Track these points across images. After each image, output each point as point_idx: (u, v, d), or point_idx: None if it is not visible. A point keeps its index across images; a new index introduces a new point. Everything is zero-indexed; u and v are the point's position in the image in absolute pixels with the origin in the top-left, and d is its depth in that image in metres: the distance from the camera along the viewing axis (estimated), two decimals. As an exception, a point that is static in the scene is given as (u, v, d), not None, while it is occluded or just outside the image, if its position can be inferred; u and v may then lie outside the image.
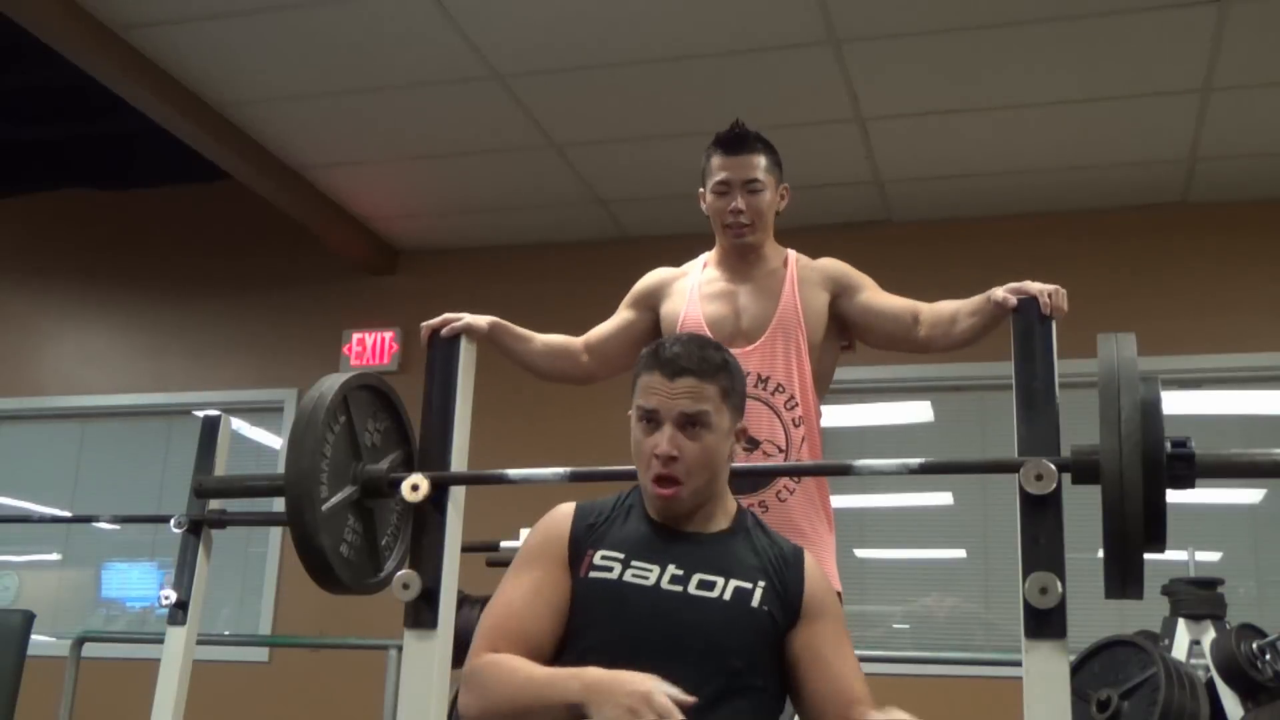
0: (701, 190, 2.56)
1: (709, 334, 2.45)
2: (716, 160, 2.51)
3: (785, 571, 1.79)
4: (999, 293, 2.11)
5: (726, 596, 1.72)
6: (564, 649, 1.72)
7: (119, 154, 6.00)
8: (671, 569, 1.72)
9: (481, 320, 2.37)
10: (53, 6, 4.14)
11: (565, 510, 1.83)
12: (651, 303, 2.61)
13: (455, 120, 4.90)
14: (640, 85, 4.55)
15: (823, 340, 2.50)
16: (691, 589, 1.71)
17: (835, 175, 5.12)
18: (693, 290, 2.55)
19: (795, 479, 2.39)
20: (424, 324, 2.32)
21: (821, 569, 1.85)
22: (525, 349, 2.55)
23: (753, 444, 2.38)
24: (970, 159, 5.03)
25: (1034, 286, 2.04)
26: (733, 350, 2.42)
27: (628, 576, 1.72)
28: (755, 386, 2.41)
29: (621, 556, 1.74)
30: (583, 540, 1.78)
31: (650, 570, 1.72)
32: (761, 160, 2.49)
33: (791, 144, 4.92)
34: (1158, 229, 5.25)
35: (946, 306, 2.40)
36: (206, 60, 4.52)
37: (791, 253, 2.58)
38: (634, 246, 5.66)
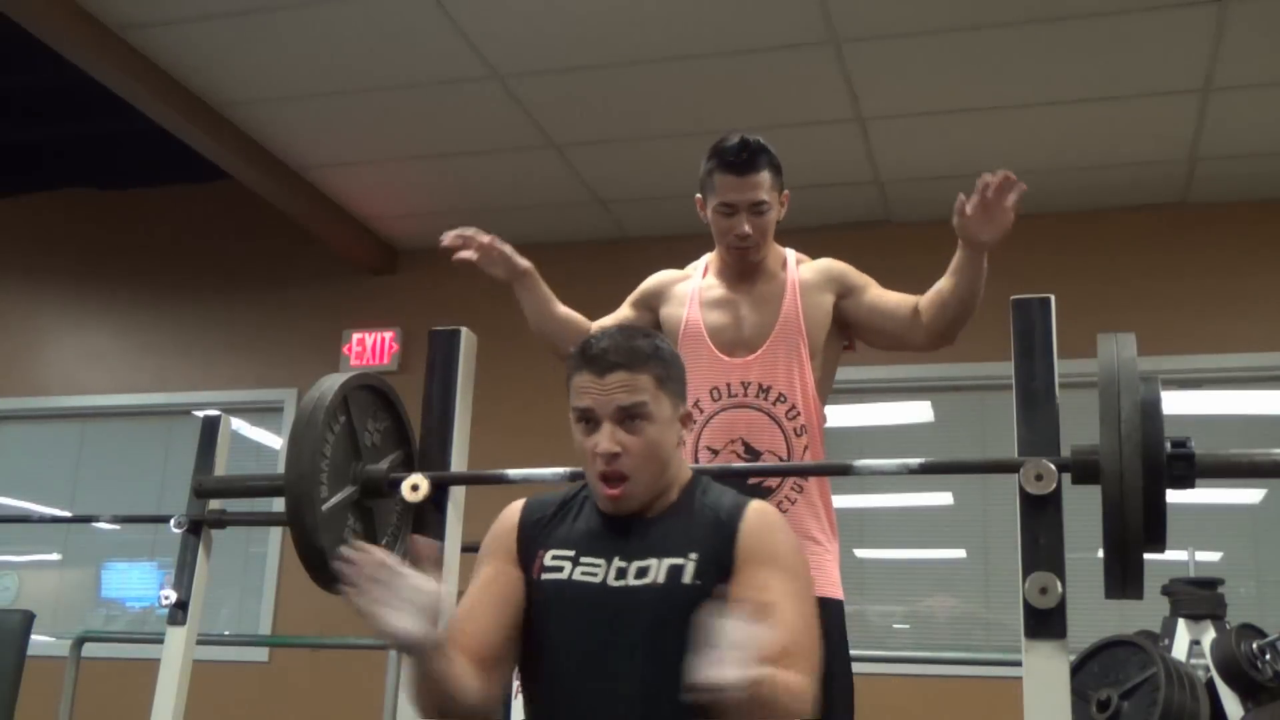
0: (699, 197, 2.53)
1: (711, 343, 2.45)
2: (721, 179, 2.45)
3: (720, 532, 1.69)
4: (955, 218, 2.15)
5: (660, 579, 1.66)
6: (525, 645, 1.71)
7: (119, 154, 6.00)
8: (617, 562, 1.69)
9: (520, 262, 2.36)
10: (53, 6, 4.14)
11: (514, 508, 1.81)
12: (653, 304, 2.60)
13: (455, 120, 4.90)
14: (640, 85, 4.55)
15: (825, 345, 2.48)
16: (631, 580, 1.67)
17: (835, 175, 5.12)
18: (694, 296, 2.53)
19: (798, 488, 2.38)
20: (456, 234, 2.34)
21: (765, 519, 1.72)
22: (548, 309, 2.56)
23: (753, 454, 2.37)
24: (970, 159, 5.02)
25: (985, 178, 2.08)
26: (734, 359, 2.42)
27: (577, 575, 1.69)
28: (756, 396, 2.40)
29: (571, 554, 1.72)
30: (532, 538, 1.76)
31: (598, 566, 1.69)
32: (767, 178, 2.44)
33: (791, 144, 4.92)
34: (1158, 229, 5.25)
35: (935, 286, 2.41)
36: (206, 60, 4.52)
37: (790, 254, 2.56)
38: (634, 246, 5.65)
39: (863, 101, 4.56)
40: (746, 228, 2.43)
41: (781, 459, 2.38)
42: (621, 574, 1.68)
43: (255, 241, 6.24)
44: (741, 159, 2.42)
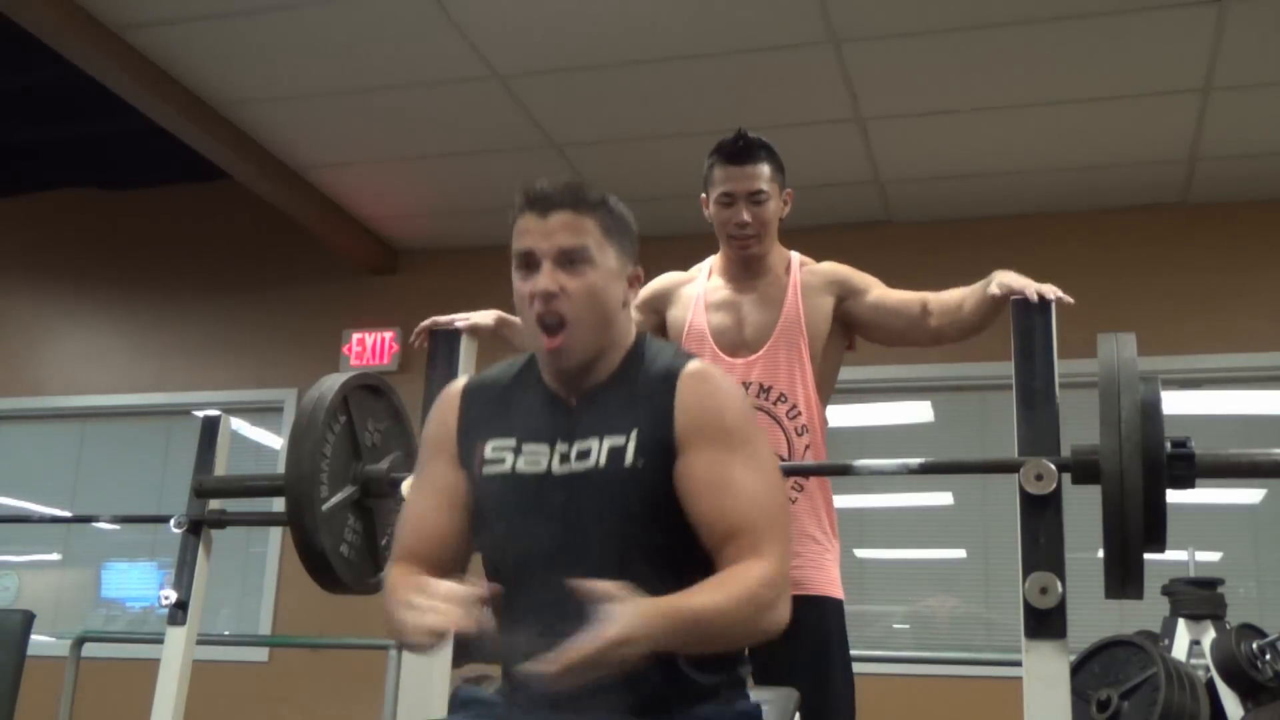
0: (704, 196, 2.55)
1: (713, 344, 2.46)
2: (720, 171, 2.47)
3: (656, 407, 1.56)
4: (994, 287, 2.13)
5: (602, 462, 1.54)
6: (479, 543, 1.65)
7: (119, 154, 6.00)
8: (560, 446, 1.57)
9: (486, 317, 2.37)
10: (53, 6, 4.14)
11: (452, 394, 1.69)
12: (658, 306, 2.60)
13: (455, 120, 4.90)
14: (640, 85, 4.55)
15: (826, 346, 2.49)
16: (573, 463, 1.55)
17: (835, 175, 5.12)
18: (698, 299, 2.54)
19: (798, 488, 2.38)
20: (421, 325, 2.31)
21: (703, 381, 1.59)
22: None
23: None
24: (970, 159, 5.03)
25: (1017, 283, 2.05)
26: (736, 359, 2.43)
27: (520, 465, 1.58)
28: (758, 396, 2.41)
29: (513, 443, 1.60)
30: (472, 430, 1.64)
31: (540, 453, 1.58)
32: (765, 170, 2.46)
33: (791, 144, 4.91)
34: (1158, 229, 5.25)
35: (953, 294, 2.39)
36: (206, 60, 4.52)
37: (795, 256, 2.57)
38: (634, 246, 5.65)
39: (863, 101, 4.56)
40: (745, 216, 2.44)
41: (783, 459, 2.38)
42: (565, 459, 1.56)
43: (255, 241, 6.24)
44: (738, 148, 2.45)
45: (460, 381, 1.72)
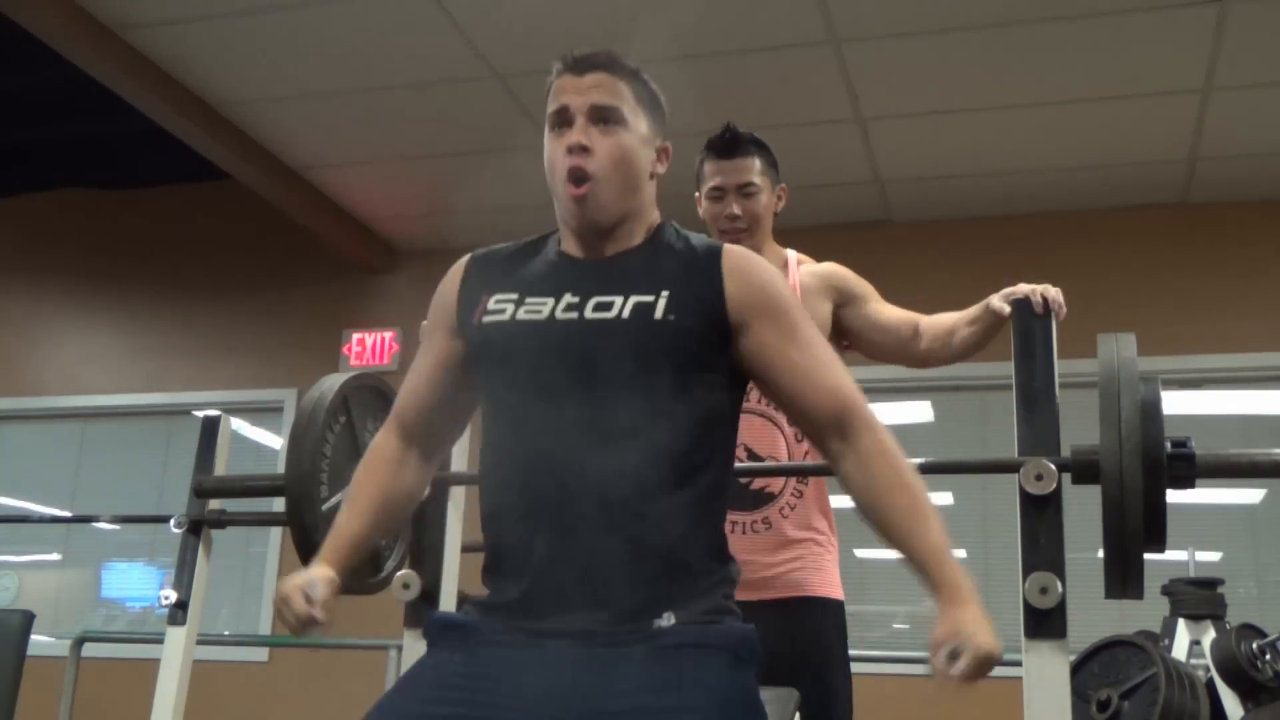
0: (697, 194, 2.54)
1: None
2: (709, 165, 2.46)
3: (698, 270, 1.56)
4: (995, 300, 2.13)
5: (625, 314, 1.51)
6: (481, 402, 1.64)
7: (119, 154, 6.00)
8: (567, 298, 1.55)
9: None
10: (53, 6, 4.14)
11: (457, 267, 1.69)
12: None
13: (455, 120, 4.90)
14: (640, 85, 4.55)
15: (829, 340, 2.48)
16: (588, 314, 1.52)
17: (835, 175, 5.12)
18: None
19: (798, 493, 2.38)
20: (424, 325, 2.31)
21: (746, 259, 1.60)
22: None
23: (755, 459, 2.36)
24: (970, 159, 5.03)
25: (1025, 288, 2.05)
26: None
27: (520, 315, 1.56)
28: (757, 401, 2.39)
29: (515, 297, 1.58)
30: (474, 291, 1.63)
31: (544, 303, 1.55)
32: (756, 163, 2.45)
33: (791, 144, 4.91)
34: (1158, 229, 5.25)
35: (946, 318, 2.38)
36: (206, 60, 4.52)
37: (791, 255, 2.55)
38: (634, 246, 5.65)
39: (863, 101, 4.56)
40: (735, 208, 2.43)
41: (779, 461, 2.38)
42: (572, 308, 1.54)
43: (255, 241, 6.24)
44: (727, 141, 2.44)
45: (465, 257, 1.71)
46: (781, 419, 2.38)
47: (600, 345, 1.50)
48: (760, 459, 2.36)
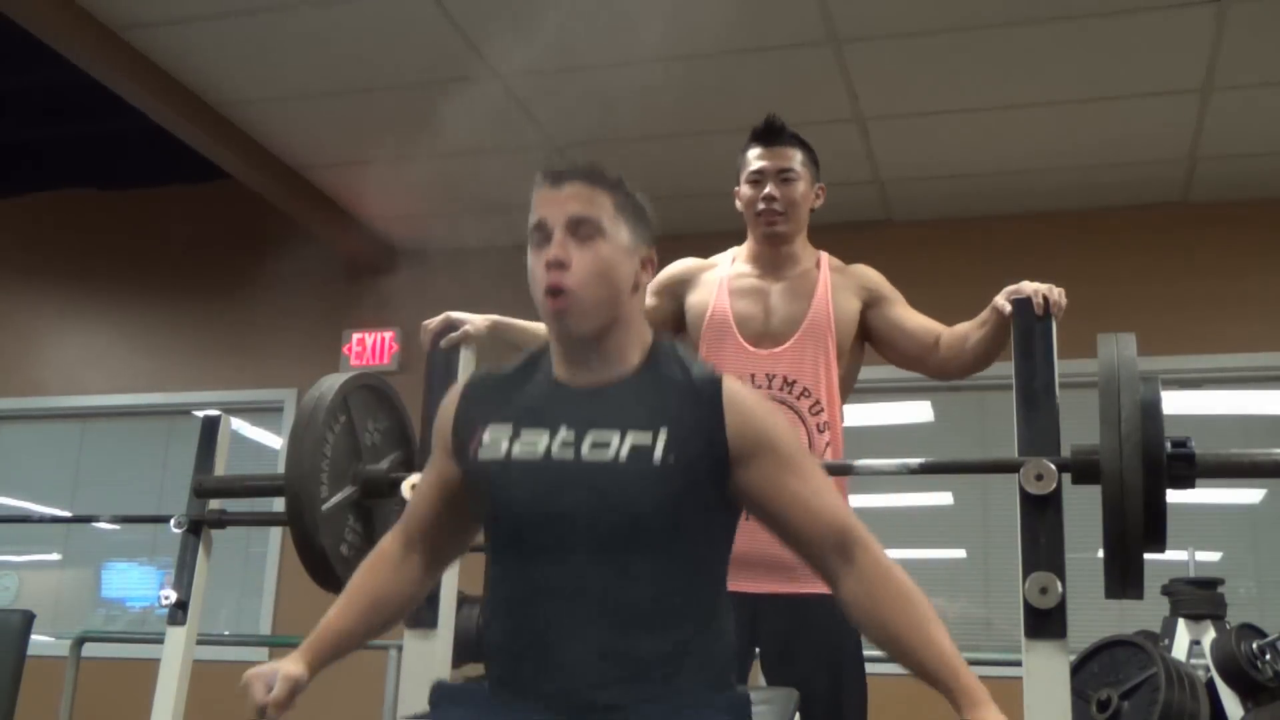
0: (736, 188, 2.54)
1: (737, 333, 2.44)
2: (752, 151, 2.50)
3: (699, 407, 1.55)
4: (999, 299, 2.14)
5: (623, 457, 1.50)
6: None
7: (119, 154, 6.00)
8: (563, 433, 1.53)
9: (479, 322, 2.36)
10: (53, 6, 4.14)
11: (454, 391, 1.70)
12: (678, 291, 2.56)
13: (455, 120, 4.89)
14: (640, 85, 4.54)
15: (851, 346, 2.48)
16: (584, 452, 1.51)
17: (835, 175, 5.05)
18: (722, 283, 2.51)
19: None
20: (424, 324, 2.31)
21: (745, 396, 1.59)
22: (533, 334, 2.45)
23: None
24: (970, 159, 5.03)
25: (1029, 287, 2.06)
26: (760, 350, 2.41)
27: (515, 451, 1.54)
28: (781, 389, 2.39)
29: (509, 429, 1.56)
30: (470, 419, 1.62)
31: (539, 438, 1.54)
32: (798, 153, 2.51)
33: (791, 144, 4.92)
34: (1158, 229, 5.25)
35: (961, 326, 2.40)
36: (206, 60, 4.52)
37: (824, 255, 2.56)
38: (634, 246, 5.65)
39: (863, 101, 4.56)
40: (773, 190, 2.45)
41: None
42: (568, 446, 1.52)
43: (255, 241, 6.23)
44: (769, 128, 2.50)
45: (464, 379, 1.73)
46: (804, 410, 2.38)
47: (598, 490, 1.50)
48: None
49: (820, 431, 2.38)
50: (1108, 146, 4.83)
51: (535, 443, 1.54)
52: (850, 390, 2.52)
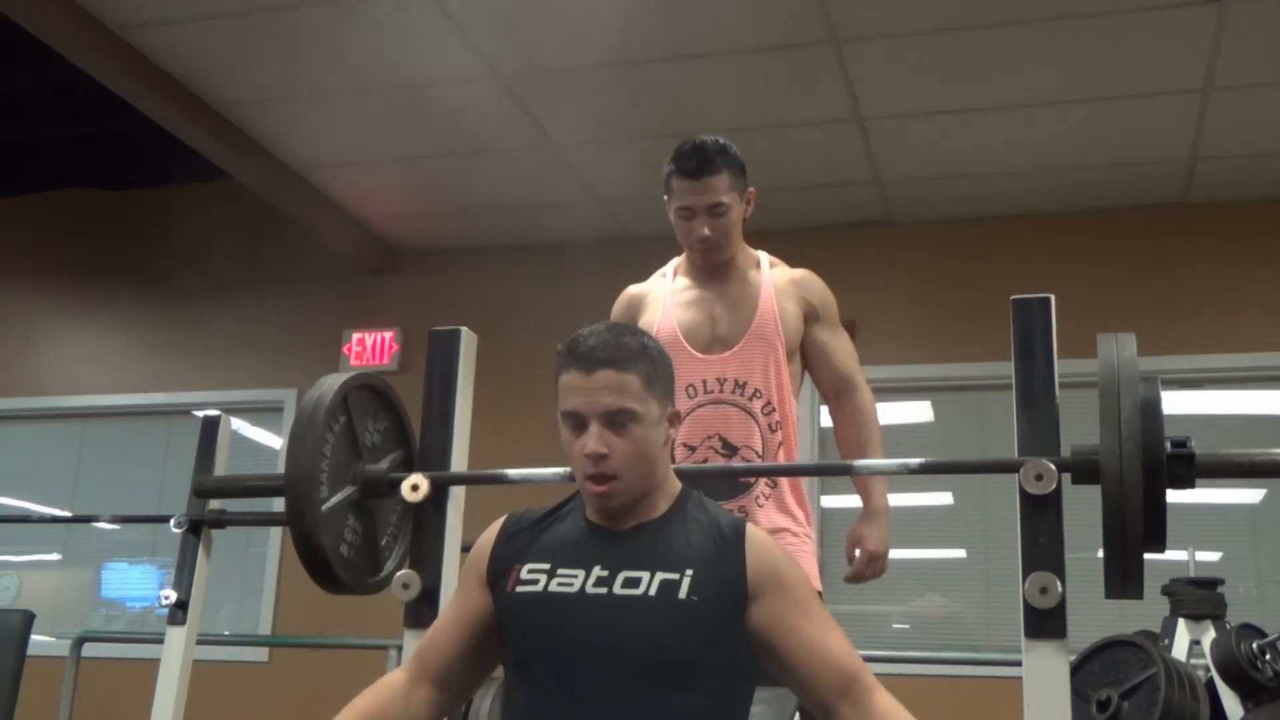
0: (666, 198, 2.54)
1: (685, 343, 2.47)
2: (678, 184, 2.45)
3: (723, 550, 1.68)
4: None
5: (652, 592, 1.63)
6: (506, 663, 1.74)
7: (119, 154, 6.00)
8: (597, 571, 1.66)
9: None
10: (53, 6, 4.14)
11: (492, 529, 1.79)
12: (631, 318, 2.60)
13: (455, 120, 4.90)
14: (640, 85, 4.55)
15: (798, 347, 2.53)
16: (616, 589, 1.64)
17: (835, 175, 5.11)
18: (666, 299, 2.55)
19: (772, 483, 2.41)
20: None
21: (767, 540, 1.73)
22: None
23: (731, 449, 2.41)
24: (970, 159, 5.03)
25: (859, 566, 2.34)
26: (709, 356, 2.45)
27: (553, 586, 1.67)
28: (732, 392, 2.43)
29: (547, 567, 1.69)
30: (506, 557, 1.74)
31: (575, 576, 1.67)
32: (724, 180, 2.44)
33: (791, 144, 4.93)
34: (1158, 229, 5.25)
35: (859, 434, 2.52)
36: (206, 60, 4.52)
37: (763, 256, 2.59)
38: (634, 246, 5.62)
39: (863, 101, 4.56)
40: (706, 230, 2.46)
41: (758, 454, 2.42)
42: (602, 582, 1.65)
43: (255, 241, 6.23)
44: (693, 165, 2.43)
45: (501, 519, 1.81)
46: (756, 411, 2.42)
47: (627, 621, 1.62)
48: (735, 449, 2.41)
49: (773, 431, 2.43)
50: (1108, 146, 4.83)
51: (571, 579, 1.67)
52: (799, 387, 2.57)
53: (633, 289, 2.65)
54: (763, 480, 2.40)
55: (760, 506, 2.40)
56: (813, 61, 4.30)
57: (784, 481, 2.42)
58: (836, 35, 4.14)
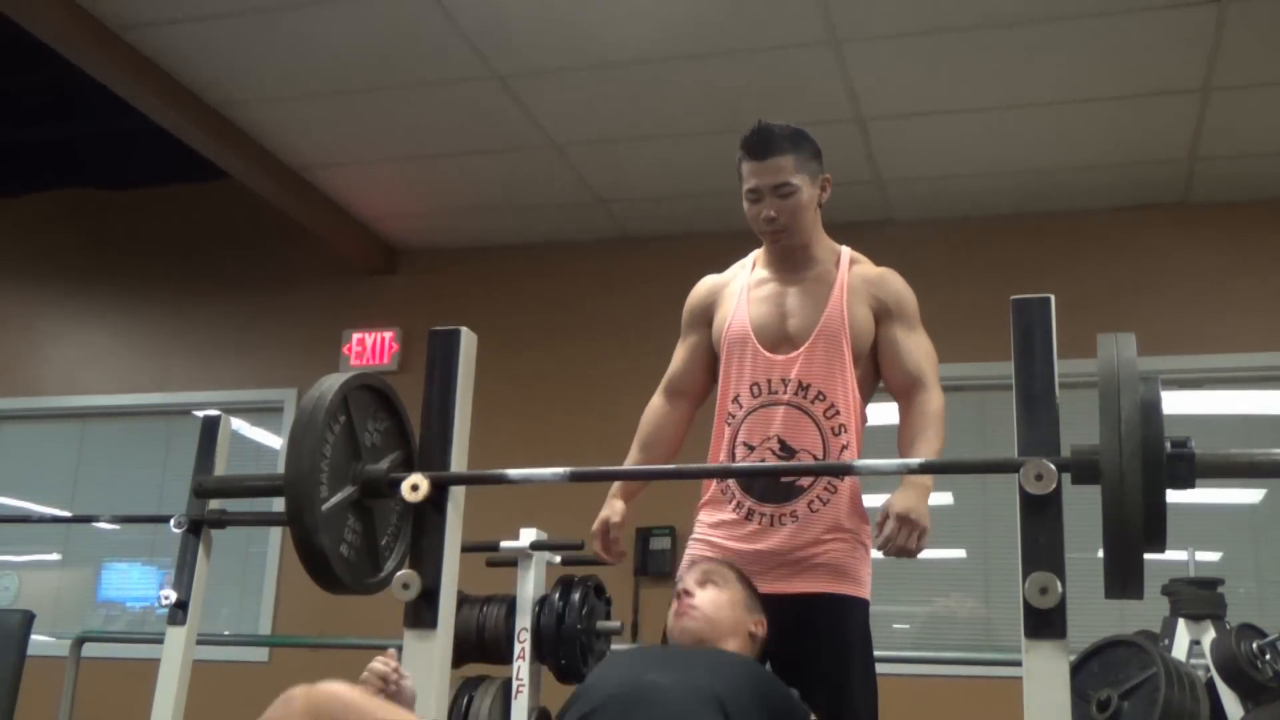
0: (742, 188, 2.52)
1: (755, 341, 2.44)
2: (745, 166, 2.45)
3: None
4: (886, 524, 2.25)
5: None
6: None
7: (119, 154, 6.00)
8: None
9: (616, 514, 2.46)
10: (53, 6, 4.14)
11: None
12: (707, 317, 2.58)
13: (455, 120, 4.90)
14: (640, 85, 4.55)
15: (869, 349, 2.48)
16: None
17: (835, 175, 5.05)
18: (742, 293, 2.52)
19: (832, 488, 2.37)
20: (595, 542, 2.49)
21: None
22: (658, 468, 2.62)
23: (789, 452, 2.38)
24: (970, 159, 5.03)
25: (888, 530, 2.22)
26: (776, 356, 2.42)
27: None
28: (795, 394, 2.39)
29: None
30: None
31: None
32: (789, 161, 2.43)
33: (791, 144, 4.91)
34: (1158, 229, 5.25)
35: (914, 430, 2.50)
36: (206, 60, 4.52)
37: (845, 251, 2.54)
38: (634, 246, 5.65)
39: (863, 101, 4.56)
40: (771, 211, 2.43)
41: (817, 458, 2.38)
42: None
43: (255, 241, 6.24)
44: (758, 140, 2.43)
45: None
46: (818, 414, 2.39)
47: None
48: (794, 452, 2.38)
49: (835, 435, 2.38)
50: (1108, 146, 4.83)
51: None
52: (873, 390, 2.52)
53: (711, 279, 2.62)
54: (820, 484, 2.37)
55: (815, 512, 2.36)
56: (813, 61, 4.30)
57: (843, 488, 2.39)
58: (836, 35, 4.14)
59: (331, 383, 2.09)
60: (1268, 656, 3.03)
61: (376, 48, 4.37)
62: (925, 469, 2.05)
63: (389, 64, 4.48)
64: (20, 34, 4.23)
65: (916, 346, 2.49)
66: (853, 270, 2.50)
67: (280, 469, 2.06)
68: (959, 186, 5.26)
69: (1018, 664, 1.79)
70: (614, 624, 3.46)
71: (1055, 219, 5.34)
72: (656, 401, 2.61)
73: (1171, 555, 2.02)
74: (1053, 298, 1.97)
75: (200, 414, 2.79)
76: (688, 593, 2.04)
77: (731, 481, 2.42)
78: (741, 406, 2.42)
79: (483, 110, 4.76)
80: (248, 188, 5.41)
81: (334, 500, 2.04)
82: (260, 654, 5.70)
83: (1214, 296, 5.09)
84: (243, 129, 5.00)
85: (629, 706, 1.76)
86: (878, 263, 2.61)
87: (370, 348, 5.94)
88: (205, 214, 6.36)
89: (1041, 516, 1.79)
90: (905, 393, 2.49)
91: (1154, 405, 1.72)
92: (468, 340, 2.25)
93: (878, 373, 2.53)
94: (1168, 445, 1.72)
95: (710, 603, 2.05)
